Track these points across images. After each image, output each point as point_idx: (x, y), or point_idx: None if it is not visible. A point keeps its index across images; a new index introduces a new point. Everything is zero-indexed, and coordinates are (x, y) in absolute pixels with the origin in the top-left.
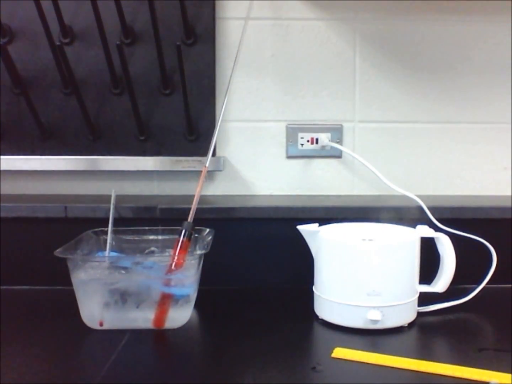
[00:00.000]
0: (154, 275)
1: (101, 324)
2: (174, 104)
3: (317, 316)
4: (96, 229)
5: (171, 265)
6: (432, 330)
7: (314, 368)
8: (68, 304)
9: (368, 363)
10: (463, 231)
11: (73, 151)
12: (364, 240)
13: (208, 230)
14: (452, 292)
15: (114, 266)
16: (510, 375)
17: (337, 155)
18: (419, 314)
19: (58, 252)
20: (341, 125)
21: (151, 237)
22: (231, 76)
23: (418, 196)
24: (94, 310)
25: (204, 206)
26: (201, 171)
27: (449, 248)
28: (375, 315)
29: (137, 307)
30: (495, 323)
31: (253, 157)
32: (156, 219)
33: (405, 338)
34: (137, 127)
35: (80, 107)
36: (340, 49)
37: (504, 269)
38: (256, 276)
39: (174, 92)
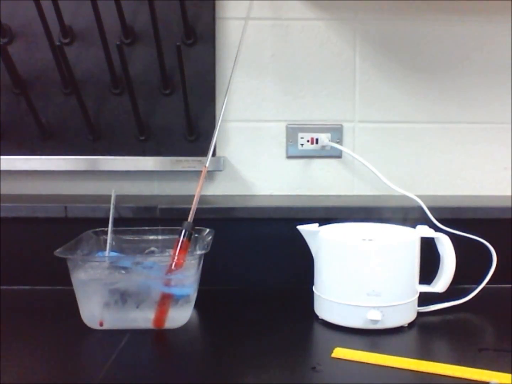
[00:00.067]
0: (154, 275)
1: (101, 324)
2: (174, 104)
3: (317, 316)
4: (96, 229)
5: (171, 265)
6: (432, 330)
7: (314, 368)
8: (68, 304)
9: (368, 363)
10: (463, 231)
11: (73, 151)
12: (364, 240)
13: (208, 230)
14: (452, 292)
15: (114, 266)
16: (510, 375)
17: (337, 155)
18: (419, 314)
19: (58, 252)
20: (341, 125)
21: (151, 237)
22: (231, 76)
23: (418, 196)
24: (94, 310)
25: (204, 206)
26: (201, 171)
27: (449, 248)
28: (375, 315)
29: (137, 307)
30: (495, 323)
31: (253, 157)
32: (156, 219)
33: (405, 338)
34: (137, 127)
35: (80, 107)
36: (340, 49)
37: (504, 269)
38: (256, 276)
39: (174, 92)
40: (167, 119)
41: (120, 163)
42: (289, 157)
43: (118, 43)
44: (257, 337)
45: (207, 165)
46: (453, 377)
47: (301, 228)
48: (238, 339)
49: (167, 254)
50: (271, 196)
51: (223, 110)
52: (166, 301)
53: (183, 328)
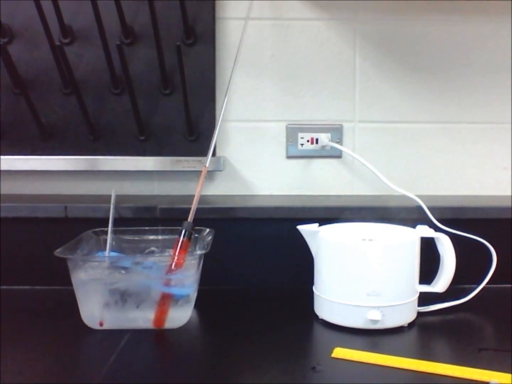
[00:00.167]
0: (154, 275)
1: (101, 324)
2: (174, 104)
3: (317, 316)
4: (96, 229)
5: (171, 265)
6: (432, 330)
7: (314, 368)
8: (68, 304)
9: (368, 363)
10: (463, 231)
11: (73, 151)
12: (364, 240)
13: (208, 230)
14: (452, 292)
15: (114, 266)
16: (510, 375)
17: (337, 155)
18: (419, 314)
19: (58, 252)
20: (341, 125)
21: (151, 237)
22: (231, 76)
23: (418, 196)
24: (94, 310)
25: (204, 206)
26: (201, 171)
27: (449, 248)
28: (375, 315)
29: (137, 307)
30: (495, 323)
31: (253, 157)
32: (156, 219)
33: (405, 338)
34: (137, 127)
35: (80, 107)
36: (340, 49)
37: (504, 269)
38: (256, 276)
39: (174, 92)
40: (167, 119)
41: (120, 163)
42: (289, 157)
43: (118, 43)
44: (257, 337)
45: (207, 165)
46: (453, 377)
47: (301, 228)
48: (238, 339)
49: (167, 254)
50: (271, 196)
51: (223, 110)
52: (166, 301)
53: (183, 328)
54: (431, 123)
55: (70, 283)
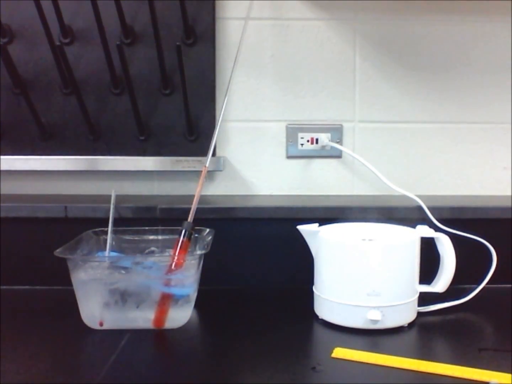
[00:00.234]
0: (154, 275)
1: (101, 324)
2: (174, 104)
3: (317, 316)
4: (96, 229)
5: (171, 265)
6: (432, 330)
7: (314, 368)
8: (68, 304)
9: (368, 363)
10: (463, 231)
11: (73, 151)
12: (364, 240)
13: (208, 230)
14: (452, 292)
15: (114, 266)
16: (510, 375)
17: (337, 155)
18: (419, 314)
19: (58, 252)
20: (341, 125)
21: (151, 237)
22: (231, 76)
23: (418, 196)
24: (94, 310)
25: (204, 206)
26: (201, 171)
27: (449, 248)
28: (375, 315)
29: (137, 307)
30: (495, 323)
31: (253, 157)
32: (156, 219)
33: (405, 338)
34: (137, 127)
35: (80, 107)
36: (340, 49)
37: (504, 269)
38: (256, 276)
39: (174, 92)
40: (167, 119)
41: (120, 163)
42: (289, 157)
43: (118, 43)
44: (257, 337)
45: (207, 165)
46: (453, 377)
47: (301, 228)
48: (238, 339)
49: (167, 254)
50: (271, 196)
51: (223, 110)
52: (166, 301)
53: (183, 328)
54: (431, 123)
55: (70, 283)
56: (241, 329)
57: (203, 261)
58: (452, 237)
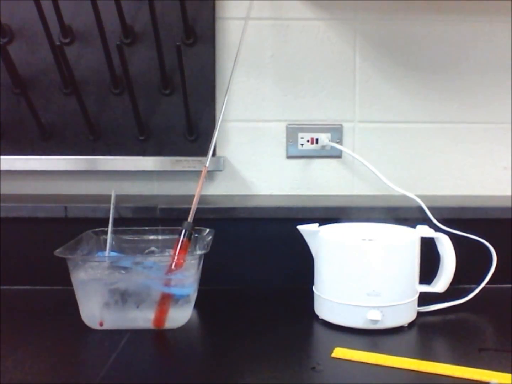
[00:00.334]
0: (154, 275)
1: (101, 324)
2: (174, 104)
3: (317, 316)
4: (96, 229)
5: (171, 265)
6: (432, 330)
7: (314, 368)
8: (68, 304)
9: (368, 363)
10: (463, 231)
11: (73, 151)
12: (364, 240)
13: (208, 230)
14: (452, 292)
15: (114, 266)
16: (510, 375)
17: (337, 155)
18: (419, 314)
19: (58, 252)
20: (341, 125)
21: (151, 237)
22: (231, 76)
23: (418, 196)
24: (94, 310)
25: (204, 206)
26: (201, 171)
27: (449, 248)
28: (375, 315)
29: (137, 307)
30: (495, 323)
31: (253, 157)
32: (156, 219)
33: (405, 338)
34: (137, 127)
35: (80, 107)
36: (340, 49)
37: (504, 269)
38: (256, 276)
39: (174, 92)
40: (167, 119)
41: (120, 163)
42: (289, 157)
43: (118, 43)
44: (257, 337)
45: (207, 165)
46: (453, 377)
47: (301, 228)
48: (238, 339)
49: (167, 254)
50: (271, 196)
51: (223, 110)
52: (166, 301)
53: (183, 328)
54: (431, 123)
55: (70, 283)
56: (241, 329)
57: (203, 261)
58: (452, 237)
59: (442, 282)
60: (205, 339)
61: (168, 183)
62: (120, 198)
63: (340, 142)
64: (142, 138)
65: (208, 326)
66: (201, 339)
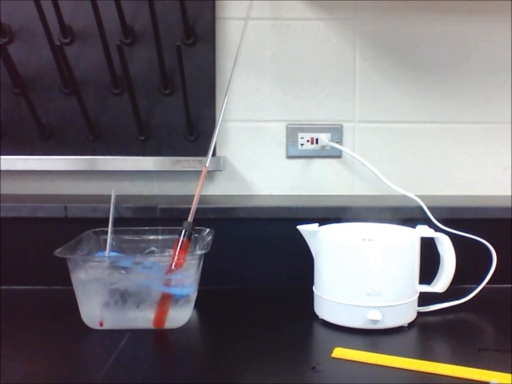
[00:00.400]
0: (154, 275)
1: (101, 324)
2: (174, 104)
3: (317, 316)
4: (96, 229)
5: (171, 265)
6: (432, 330)
7: (314, 368)
8: (68, 304)
9: (368, 363)
10: (463, 231)
11: (73, 151)
12: (364, 240)
13: (208, 230)
14: (452, 292)
15: (114, 266)
16: (510, 375)
17: (337, 155)
18: (419, 314)
19: (58, 252)
20: (341, 125)
21: (151, 237)
22: (231, 76)
23: (418, 196)
24: (94, 310)
25: (204, 206)
26: (201, 171)
27: (449, 248)
28: (375, 315)
29: (137, 307)
30: (495, 323)
31: (253, 157)
32: (156, 219)
33: (405, 338)
34: (137, 127)
35: (80, 107)
36: (340, 49)
37: (504, 269)
38: (256, 276)
39: (174, 92)
40: (167, 119)
41: (120, 163)
42: (289, 157)
43: (118, 43)
44: (257, 337)
45: (207, 165)
46: (453, 377)
47: (301, 228)
48: (238, 339)
49: (167, 254)
50: (271, 196)
51: (223, 110)
52: (166, 301)
53: (183, 328)
54: (431, 123)
55: (70, 283)
56: (241, 329)
57: (203, 261)
58: (452, 237)
59: (442, 282)
60: (205, 339)
61: (168, 183)
62: (120, 198)
63: (340, 142)
64: (142, 138)
65: (208, 326)
66: (201, 339)
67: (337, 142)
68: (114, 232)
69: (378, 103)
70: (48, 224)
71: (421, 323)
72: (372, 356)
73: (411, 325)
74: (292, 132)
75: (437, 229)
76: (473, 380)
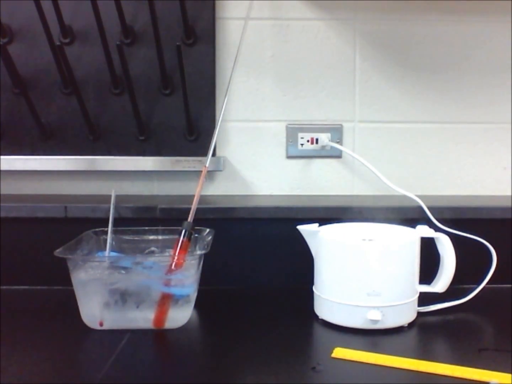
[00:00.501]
0: (154, 275)
1: (101, 324)
2: (174, 104)
3: (317, 316)
4: (96, 229)
5: (171, 265)
6: (432, 330)
7: (314, 368)
8: (68, 304)
9: (368, 363)
10: (463, 231)
11: (73, 151)
12: (364, 240)
13: (208, 230)
14: (452, 292)
15: (114, 266)
16: (510, 375)
17: (337, 155)
18: (419, 314)
19: (58, 252)
20: (341, 125)
21: (151, 237)
22: (231, 76)
23: (418, 196)
24: (94, 310)
25: (204, 206)
26: (201, 171)
27: (449, 248)
28: (375, 315)
29: (137, 307)
30: (495, 323)
31: (253, 157)
32: (156, 219)
33: (405, 338)
34: (137, 127)
35: (80, 107)
36: (340, 49)
37: (504, 269)
38: (256, 276)
39: (174, 92)
40: (167, 119)
41: (120, 163)
42: (289, 157)
43: (118, 43)
44: (257, 337)
45: (207, 165)
46: (453, 377)
47: (301, 228)
48: (238, 339)
49: (167, 254)
50: (271, 196)
51: (223, 110)
52: (166, 301)
53: (183, 328)
54: (431, 123)
55: (70, 283)
56: (241, 329)
57: (203, 261)
58: (452, 237)
59: (442, 282)
60: (205, 339)
61: (168, 183)
62: (120, 198)
63: (340, 142)
64: (142, 138)
65: (208, 326)
66: (201, 339)
67: (337, 142)
68: (114, 232)
69: (378, 103)
70: (48, 224)
71: (421, 323)
72: (372, 356)
73: (411, 325)
74: (292, 132)
75: (437, 229)
76: (473, 380)
